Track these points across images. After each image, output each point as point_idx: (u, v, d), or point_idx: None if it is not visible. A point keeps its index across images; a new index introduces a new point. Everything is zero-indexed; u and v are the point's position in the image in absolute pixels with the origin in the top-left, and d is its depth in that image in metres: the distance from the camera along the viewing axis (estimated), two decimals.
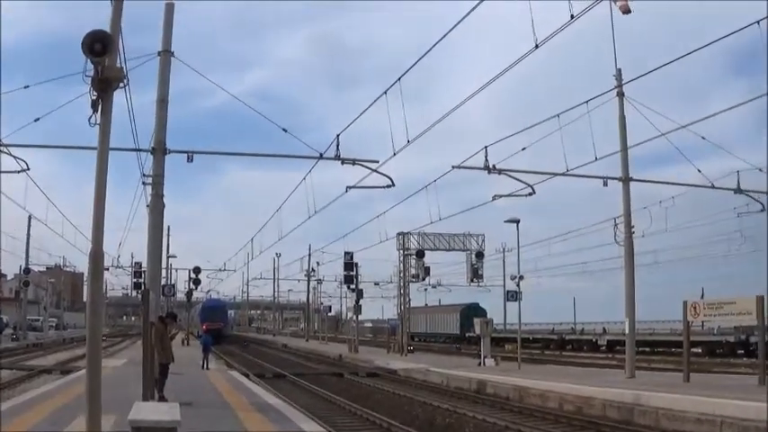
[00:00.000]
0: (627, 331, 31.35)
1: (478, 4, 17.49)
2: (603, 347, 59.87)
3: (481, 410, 24.25)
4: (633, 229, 31.97)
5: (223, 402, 21.26)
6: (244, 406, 20.44)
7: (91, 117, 10.94)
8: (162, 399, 19.31)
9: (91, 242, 10.33)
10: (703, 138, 29.43)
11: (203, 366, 35.89)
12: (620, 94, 31.00)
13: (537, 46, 17.77)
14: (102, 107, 10.78)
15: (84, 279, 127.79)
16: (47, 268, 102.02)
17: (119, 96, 11.44)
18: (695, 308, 28.87)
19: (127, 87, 12.16)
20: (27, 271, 71.61)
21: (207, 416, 17.69)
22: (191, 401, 19.62)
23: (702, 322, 35.71)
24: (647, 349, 53.96)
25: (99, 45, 10.40)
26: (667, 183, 34.92)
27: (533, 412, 23.96)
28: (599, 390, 24.34)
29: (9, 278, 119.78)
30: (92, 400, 10.37)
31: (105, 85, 10.66)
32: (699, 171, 31.55)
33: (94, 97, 10.80)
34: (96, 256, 10.42)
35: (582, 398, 24.17)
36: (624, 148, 31.11)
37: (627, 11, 23.58)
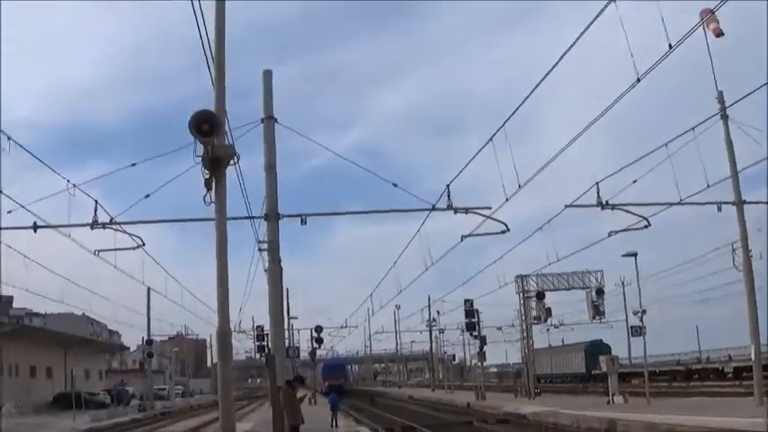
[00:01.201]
0: (753, 357, 30.27)
1: (577, 41, 17.40)
2: (730, 375, 57.67)
3: None
4: (751, 253, 31.24)
5: None
6: None
7: (205, 196, 11.06)
8: None
9: (217, 321, 10.41)
10: None
11: (332, 425, 35.81)
12: (724, 117, 30.26)
13: (639, 80, 17.50)
14: (216, 186, 10.90)
15: (208, 345, 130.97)
16: (169, 338, 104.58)
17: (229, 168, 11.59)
18: None
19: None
20: (150, 342, 73.55)
21: None
22: None
23: None
24: None
25: (206, 126, 10.53)
26: None
27: None
28: (732, 420, 23.22)
29: (132, 350, 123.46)
30: None
31: (216, 164, 10.80)
32: None
33: (207, 176, 10.93)
34: (224, 334, 10.52)
35: (715, 431, 23.15)
36: (734, 173, 30.34)
37: (719, 34, 23.02)
